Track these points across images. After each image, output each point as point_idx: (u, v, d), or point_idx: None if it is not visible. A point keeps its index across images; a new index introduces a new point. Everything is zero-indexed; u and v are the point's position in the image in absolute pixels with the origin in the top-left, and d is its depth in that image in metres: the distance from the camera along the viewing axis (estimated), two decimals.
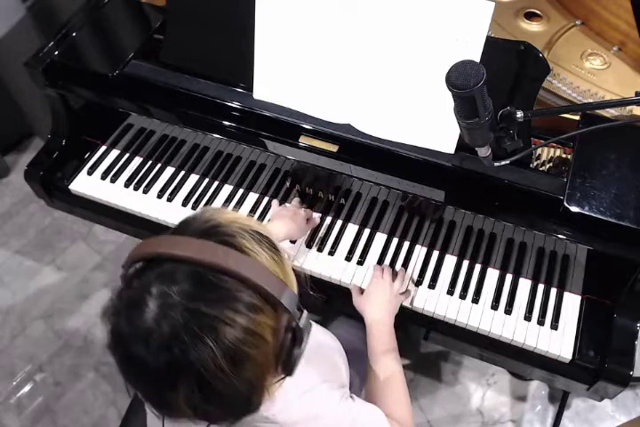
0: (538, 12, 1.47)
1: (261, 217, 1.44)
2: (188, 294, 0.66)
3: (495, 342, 1.30)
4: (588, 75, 1.36)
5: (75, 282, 2.21)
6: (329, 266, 1.37)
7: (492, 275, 1.35)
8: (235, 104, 1.31)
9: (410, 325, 1.35)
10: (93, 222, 1.71)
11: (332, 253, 1.39)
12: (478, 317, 1.30)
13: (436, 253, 1.38)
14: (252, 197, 1.47)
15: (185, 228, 0.75)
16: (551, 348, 1.26)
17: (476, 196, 1.21)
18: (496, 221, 1.28)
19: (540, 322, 1.28)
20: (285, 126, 1.28)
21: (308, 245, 1.40)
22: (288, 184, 1.45)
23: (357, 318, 1.39)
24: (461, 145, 1.16)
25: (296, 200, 1.42)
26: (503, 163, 1.01)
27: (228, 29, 1.30)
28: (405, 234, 1.40)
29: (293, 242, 1.39)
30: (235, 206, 1.45)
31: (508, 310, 1.30)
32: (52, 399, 1.97)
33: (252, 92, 1.30)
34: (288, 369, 0.75)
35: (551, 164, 1.26)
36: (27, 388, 1.99)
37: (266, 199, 1.46)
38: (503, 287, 1.33)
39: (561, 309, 1.30)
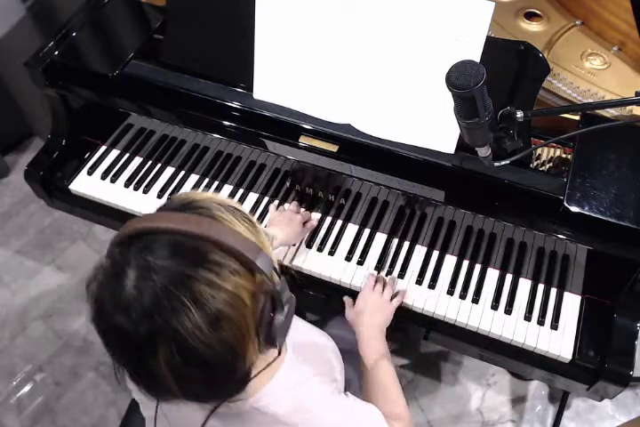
0: (538, 12, 1.47)
1: (261, 217, 1.44)
2: (165, 259, 0.68)
3: (495, 342, 1.30)
4: (588, 75, 1.36)
5: (75, 282, 2.20)
6: (329, 266, 1.37)
7: (492, 275, 1.35)
8: (235, 104, 1.31)
9: (410, 325, 1.35)
10: (93, 222, 1.71)
11: (332, 253, 1.39)
12: (478, 317, 1.30)
13: (436, 253, 1.38)
14: (252, 197, 1.47)
15: (163, 207, 0.78)
16: (551, 348, 1.26)
17: (475, 196, 1.22)
18: (496, 221, 1.28)
19: (540, 322, 1.28)
20: (285, 126, 1.28)
21: (308, 245, 1.40)
22: (288, 184, 1.45)
23: None
24: (461, 145, 1.16)
25: (294, 204, 1.42)
26: (503, 163, 1.01)
27: (228, 29, 1.30)
28: (405, 234, 1.40)
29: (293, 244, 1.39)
30: None
31: (508, 310, 1.30)
32: (52, 399, 1.97)
33: (252, 92, 1.30)
34: (271, 340, 0.75)
35: (551, 164, 1.26)
36: (27, 388, 1.99)
37: (266, 199, 1.47)
38: (503, 287, 1.33)
39: (561, 309, 1.30)
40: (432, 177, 1.23)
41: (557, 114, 1.24)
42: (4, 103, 2.28)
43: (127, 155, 1.56)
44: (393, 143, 1.23)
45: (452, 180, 1.22)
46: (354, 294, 1.34)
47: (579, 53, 1.40)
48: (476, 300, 1.32)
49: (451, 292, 1.33)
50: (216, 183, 1.49)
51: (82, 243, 2.31)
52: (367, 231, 1.41)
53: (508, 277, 1.35)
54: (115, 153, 1.56)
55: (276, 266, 0.76)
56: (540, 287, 1.33)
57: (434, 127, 1.20)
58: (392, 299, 1.29)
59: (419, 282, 1.34)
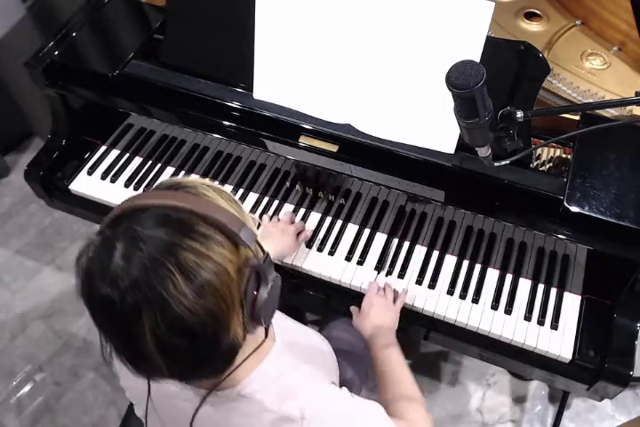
0: (538, 12, 1.47)
1: (261, 217, 1.44)
2: (151, 229, 0.70)
3: (495, 342, 1.30)
4: (588, 75, 1.36)
5: (75, 282, 2.20)
6: (329, 266, 1.37)
7: (492, 275, 1.35)
8: (235, 104, 1.31)
9: (410, 325, 1.35)
10: (93, 222, 1.71)
11: (332, 253, 1.39)
12: (478, 317, 1.30)
13: (436, 253, 1.38)
14: (252, 197, 1.47)
15: (151, 189, 0.82)
16: (551, 348, 1.26)
17: (475, 196, 1.22)
18: (496, 221, 1.28)
19: (540, 322, 1.28)
20: (285, 126, 1.28)
21: (308, 246, 1.40)
22: (288, 184, 1.45)
23: None
24: (461, 145, 1.16)
25: (287, 214, 1.41)
26: (503, 163, 1.01)
27: (228, 29, 1.30)
28: (405, 234, 1.40)
29: None
30: None
31: (508, 310, 1.30)
32: (52, 399, 1.97)
33: (252, 92, 1.30)
34: (256, 317, 0.76)
35: (551, 164, 1.26)
36: (27, 388, 1.99)
37: (266, 199, 1.47)
38: (503, 287, 1.33)
39: (561, 309, 1.30)
40: (432, 177, 1.23)
41: (557, 114, 1.24)
42: (4, 103, 2.28)
43: (127, 155, 1.56)
44: (393, 143, 1.23)
45: (452, 180, 1.22)
46: (354, 295, 1.34)
47: (579, 53, 1.40)
48: (475, 300, 1.32)
49: (451, 292, 1.33)
50: (216, 183, 1.49)
51: (82, 243, 2.27)
52: (367, 231, 1.41)
53: (508, 278, 1.35)
54: (115, 153, 1.56)
55: (261, 244, 0.78)
56: (540, 287, 1.33)
57: (434, 127, 1.20)
58: (395, 302, 1.29)
59: (419, 282, 1.34)
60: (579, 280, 1.32)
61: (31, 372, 2.02)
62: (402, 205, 1.39)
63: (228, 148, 1.48)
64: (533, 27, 1.45)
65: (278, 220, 1.40)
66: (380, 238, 1.40)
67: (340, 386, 0.94)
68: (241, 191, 1.48)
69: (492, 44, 1.12)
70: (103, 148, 1.57)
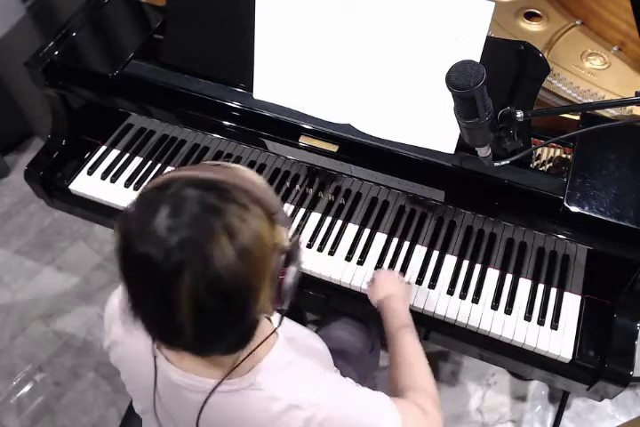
0: (538, 12, 1.47)
1: None
2: (198, 195, 0.72)
3: (495, 342, 1.30)
4: (588, 75, 1.36)
5: (75, 282, 2.21)
6: (329, 266, 1.37)
7: (492, 275, 1.35)
8: (235, 104, 1.31)
9: None
10: (93, 222, 1.71)
11: (331, 253, 1.39)
12: (478, 317, 1.30)
13: (436, 253, 1.38)
14: None
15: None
16: (551, 348, 1.26)
17: (476, 196, 1.22)
18: (496, 221, 1.28)
19: (540, 322, 1.28)
20: (285, 126, 1.28)
21: (308, 246, 1.39)
22: (288, 184, 1.45)
23: (358, 319, 1.39)
24: (461, 145, 1.16)
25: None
26: (503, 163, 1.01)
27: (228, 29, 1.30)
28: (405, 234, 1.40)
29: None
30: None
31: (508, 310, 1.30)
32: (52, 399, 1.97)
33: (252, 92, 1.30)
34: (280, 297, 0.80)
35: (551, 164, 1.26)
36: (27, 388, 1.99)
37: None
38: (503, 287, 1.33)
39: (561, 309, 1.30)
40: (432, 177, 1.23)
41: (557, 114, 1.24)
42: (4, 103, 2.28)
43: (127, 155, 1.56)
44: (393, 143, 1.23)
45: (452, 180, 1.22)
46: (354, 294, 1.34)
47: (579, 53, 1.40)
48: (475, 300, 1.32)
49: (451, 292, 1.33)
50: None
51: (82, 243, 2.31)
52: (367, 231, 1.41)
53: (508, 277, 1.35)
54: (115, 153, 1.56)
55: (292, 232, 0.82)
56: (540, 287, 1.33)
57: (434, 127, 1.20)
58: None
59: (419, 282, 1.34)
60: (579, 280, 1.32)
61: (31, 372, 2.02)
62: (402, 205, 1.39)
63: (228, 148, 1.48)
64: (533, 27, 1.45)
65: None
66: (380, 238, 1.40)
67: None
68: None
69: (492, 44, 1.12)
70: (103, 148, 1.57)
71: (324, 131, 1.26)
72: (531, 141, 1.21)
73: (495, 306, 1.31)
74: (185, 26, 1.34)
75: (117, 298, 0.98)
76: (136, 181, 1.51)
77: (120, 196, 1.50)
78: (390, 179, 1.25)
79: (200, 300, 0.70)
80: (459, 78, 0.84)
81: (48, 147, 1.56)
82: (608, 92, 1.33)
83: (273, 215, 0.77)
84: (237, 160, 1.48)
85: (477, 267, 1.36)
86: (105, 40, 1.49)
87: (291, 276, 0.80)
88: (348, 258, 1.38)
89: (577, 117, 1.25)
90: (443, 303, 1.32)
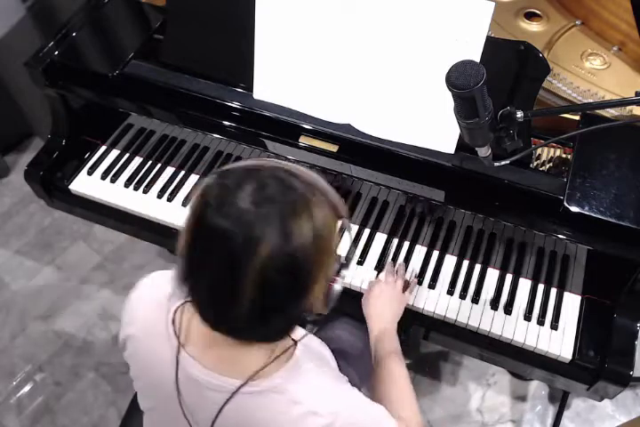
0: (538, 12, 1.47)
1: None
2: (287, 177, 0.76)
3: (495, 342, 1.30)
4: (588, 75, 1.36)
5: (75, 282, 2.20)
6: None
7: (492, 275, 1.35)
8: (235, 104, 1.31)
9: (410, 325, 1.35)
10: (93, 222, 1.71)
11: None
12: (478, 317, 1.30)
13: (436, 253, 1.38)
14: None
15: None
16: (551, 348, 1.26)
17: (476, 196, 1.22)
18: (496, 221, 1.28)
19: (540, 322, 1.28)
20: (285, 126, 1.28)
21: None
22: None
23: (358, 319, 1.39)
24: (461, 145, 1.16)
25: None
26: (503, 163, 1.01)
27: (228, 29, 1.30)
28: (405, 234, 1.40)
29: None
30: None
31: (508, 310, 1.30)
32: (52, 399, 1.97)
33: (252, 92, 1.30)
34: (329, 295, 0.82)
35: (551, 164, 1.26)
36: (27, 388, 1.99)
37: None
38: (503, 287, 1.33)
39: (561, 309, 1.30)
40: (432, 177, 1.23)
41: (557, 114, 1.24)
42: (4, 103, 2.28)
43: (127, 155, 1.56)
44: (393, 143, 1.23)
45: (452, 180, 1.22)
46: (354, 294, 1.34)
47: (579, 53, 1.40)
48: (475, 300, 1.32)
49: (451, 292, 1.33)
50: None
51: (82, 243, 2.31)
52: (367, 231, 1.41)
53: (508, 277, 1.35)
54: (115, 153, 1.56)
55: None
56: (540, 287, 1.33)
57: (434, 127, 1.20)
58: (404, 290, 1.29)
59: (419, 282, 1.34)
60: (579, 280, 1.32)
61: (31, 372, 2.02)
62: (402, 205, 1.39)
63: (228, 148, 1.48)
64: (533, 27, 1.45)
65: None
66: (380, 238, 1.40)
67: None
68: None
69: (492, 44, 1.12)
70: (103, 148, 1.57)
71: (324, 131, 1.26)
72: (531, 141, 1.21)
73: (495, 306, 1.31)
74: (185, 26, 1.34)
75: (141, 292, 0.99)
76: (136, 181, 1.51)
77: (120, 196, 1.50)
78: (390, 179, 1.25)
79: (268, 276, 0.72)
80: (459, 78, 0.84)
81: (48, 147, 1.56)
82: (608, 92, 1.33)
83: (340, 218, 0.80)
84: (237, 160, 1.49)
85: (477, 267, 1.36)
86: (105, 40, 1.49)
87: (339, 283, 0.84)
88: (348, 258, 1.38)
89: (577, 117, 1.25)
90: (443, 303, 1.32)
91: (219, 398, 0.86)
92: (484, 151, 0.99)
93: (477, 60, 1.10)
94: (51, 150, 1.54)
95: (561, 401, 1.86)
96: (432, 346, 1.99)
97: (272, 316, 0.78)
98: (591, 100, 1.32)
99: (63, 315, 2.13)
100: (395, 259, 1.37)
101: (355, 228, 1.42)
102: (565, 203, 1.14)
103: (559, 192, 1.16)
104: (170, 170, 1.53)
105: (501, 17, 1.44)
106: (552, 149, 1.28)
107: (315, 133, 1.27)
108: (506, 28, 1.43)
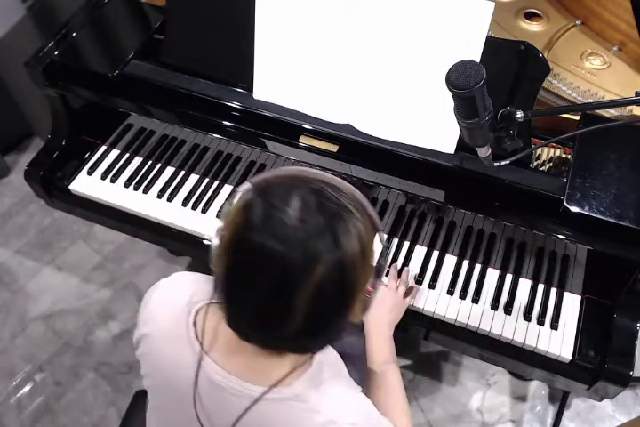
0: (538, 12, 1.47)
1: None
2: (332, 193, 0.75)
3: (495, 342, 1.30)
4: (588, 75, 1.36)
5: (75, 282, 2.20)
6: None
7: (492, 275, 1.35)
8: (235, 104, 1.31)
9: (410, 325, 1.35)
10: (93, 222, 1.71)
11: None
12: (478, 317, 1.30)
13: (435, 253, 1.38)
14: None
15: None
16: (551, 348, 1.26)
17: (476, 196, 1.22)
18: (496, 221, 1.28)
19: (540, 322, 1.28)
20: (285, 126, 1.28)
21: None
22: None
23: None
24: (461, 145, 1.16)
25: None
26: (503, 163, 1.01)
27: (228, 29, 1.30)
28: (405, 234, 1.40)
29: None
30: None
31: (508, 310, 1.30)
32: (52, 399, 1.97)
33: (252, 92, 1.30)
34: (364, 308, 0.81)
35: (551, 164, 1.26)
36: (27, 388, 1.99)
37: None
38: (503, 287, 1.33)
39: (561, 309, 1.30)
40: (432, 177, 1.23)
41: (557, 114, 1.24)
42: (4, 103, 2.28)
43: (127, 155, 1.56)
44: (393, 143, 1.23)
45: (452, 180, 1.22)
46: None
47: (579, 53, 1.40)
48: (475, 300, 1.32)
49: (451, 292, 1.33)
50: (216, 183, 1.49)
51: (82, 243, 2.31)
52: None
53: (508, 277, 1.35)
54: (115, 153, 1.56)
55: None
56: (540, 287, 1.33)
57: (434, 127, 1.20)
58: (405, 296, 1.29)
59: (419, 282, 1.34)
60: (579, 280, 1.32)
61: (31, 372, 2.02)
62: (402, 205, 1.39)
63: (228, 148, 1.48)
64: (533, 27, 1.45)
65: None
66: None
67: None
68: None
69: (491, 44, 1.12)
70: (103, 148, 1.57)
71: (324, 131, 1.26)
72: (531, 141, 1.21)
73: (495, 306, 1.31)
74: (185, 26, 1.34)
75: (160, 293, 0.98)
76: (136, 181, 1.51)
77: (120, 196, 1.50)
78: (390, 179, 1.25)
79: (323, 292, 0.72)
80: (459, 78, 0.84)
81: (48, 147, 1.56)
82: (608, 92, 1.33)
83: (376, 232, 0.80)
84: (237, 160, 1.49)
85: (477, 267, 1.36)
86: (105, 40, 1.49)
87: (374, 296, 0.83)
88: None
89: (577, 117, 1.25)
90: (443, 303, 1.32)
91: (240, 404, 0.86)
92: (483, 151, 0.99)
93: (477, 60, 1.10)
94: (51, 150, 1.54)
95: (561, 401, 1.86)
96: (432, 346, 1.99)
97: (321, 329, 0.78)
98: (591, 100, 1.32)
99: (63, 315, 2.13)
100: (395, 259, 1.37)
101: None
102: (565, 203, 1.14)
103: (559, 192, 1.16)
104: (170, 170, 1.53)
105: (501, 17, 1.44)
106: (552, 149, 1.28)
107: (315, 133, 1.27)
108: (506, 28, 1.43)
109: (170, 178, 1.51)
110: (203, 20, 1.32)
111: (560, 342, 1.26)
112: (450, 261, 1.37)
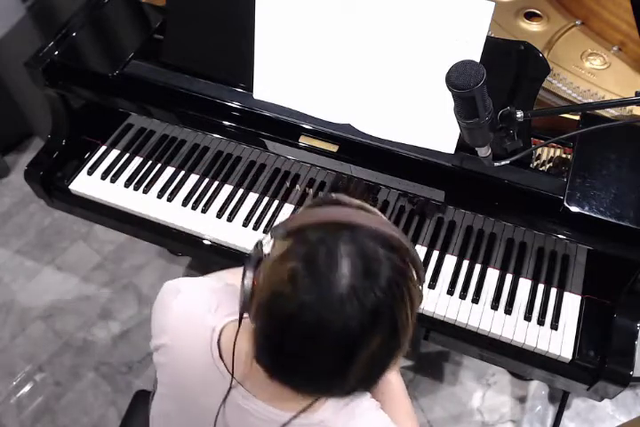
0: (538, 12, 1.47)
1: (261, 217, 1.44)
2: (387, 255, 0.69)
3: (495, 342, 1.30)
4: (588, 75, 1.36)
5: (75, 282, 2.20)
6: None
7: (492, 275, 1.35)
8: (235, 104, 1.31)
9: None
10: (93, 222, 1.71)
11: None
12: (478, 317, 1.30)
13: (436, 253, 1.38)
14: (252, 197, 1.47)
15: (329, 203, 0.79)
16: (551, 348, 1.26)
17: (476, 196, 1.22)
18: (496, 221, 1.28)
19: (540, 322, 1.28)
20: (285, 126, 1.28)
21: None
22: (288, 184, 1.45)
23: None
24: (461, 145, 1.16)
25: None
26: (503, 163, 1.01)
27: (228, 29, 1.30)
28: (405, 234, 1.39)
29: None
30: (235, 206, 1.45)
31: (508, 310, 1.30)
32: (52, 399, 1.97)
33: (252, 92, 1.30)
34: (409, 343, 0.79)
35: (551, 164, 1.26)
36: (27, 388, 1.99)
37: (266, 199, 1.46)
38: (503, 287, 1.33)
39: (561, 309, 1.30)
40: (432, 177, 1.22)
41: (557, 114, 1.24)
42: (4, 103, 2.28)
43: (127, 155, 1.55)
44: (393, 143, 1.23)
45: (452, 180, 1.22)
46: None
47: (579, 53, 1.40)
48: (475, 300, 1.32)
49: (451, 292, 1.33)
50: (216, 183, 1.49)
51: (82, 243, 2.31)
52: None
53: (508, 277, 1.35)
54: (115, 153, 1.56)
55: None
56: (540, 287, 1.33)
57: (434, 127, 1.20)
58: None
59: None
60: (579, 280, 1.32)
61: (31, 372, 2.02)
62: (402, 206, 1.39)
63: (228, 148, 1.48)
64: (533, 27, 1.45)
65: None
66: None
67: None
68: (241, 191, 1.48)
69: (492, 44, 1.12)
70: (103, 148, 1.57)
71: (324, 131, 1.26)
72: (531, 141, 1.21)
73: (495, 306, 1.31)
74: (185, 26, 1.34)
75: (180, 302, 0.94)
76: (136, 181, 1.51)
77: (120, 196, 1.50)
78: (390, 179, 1.25)
79: (377, 357, 0.71)
80: (459, 78, 0.84)
81: (48, 147, 1.55)
82: (608, 92, 1.33)
83: (419, 274, 0.76)
84: (237, 160, 1.49)
85: (477, 267, 1.36)
86: (105, 40, 1.49)
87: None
88: None
89: (577, 117, 1.25)
90: (443, 303, 1.32)
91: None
92: (484, 151, 0.99)
93: (477, 60, 1.10)
94: (51, 150, 1.54)
95: (561, 401, 1.86)
96: (432, 346, 1.99)
97: (371, 381, 0.77)
98: (591, 100, 1.32)
99: (63, 315, 2.13)
100: None
101: None
102: (565, 203, 1.14)
103: (559, 192, 1.16)
104: (170, 170, 1.53)
105: (501, 17, 1.44)
106: (552, 149, 1.28)
107: (315, 133, 1.27)
108: (506, 28, 1.43)
109: (170, 178, 1.51)
110: (203, 20, 1.32)
111: (560, 342, 1.26)
112: (450, 261, 1.37)
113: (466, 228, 1.38)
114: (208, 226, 1.43)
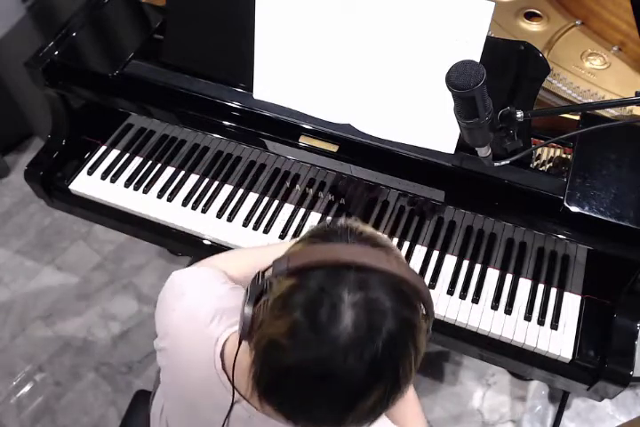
0: (538, 12, 1.47)
1: (261, 217, 1.44)
2: (393, 306, 0.67)
3: (495, 342, 1.30)
4: (588, 75, 1.36)
5: (75, 282, 2.21)
6: None
7: (492, 275, 1.35)
8: (235, 104, 1.31)
9: None
10: (93, 222, 1.71)
11: None
12: (478, 317, 1.30)
13: (435, 253, 1.38)
14: (252, 197, 1.47)
15: (335, 236, 0.76)
16: (551, 348, 1.26)
17: (476, 196, 1.22)
18: (496, 221, 1.28)
19: (540, 322, 1.28)
20: (285, 126, 1.28)
21: None
22: (288, 184, 1.45)
23: None
24: (461, 145, 1.16)
25: None
26: (503, 163, 1.01)
27: (228, 29, 1.30)
28: (405, 234, 1.40)
29: None
30: (235, 206, 1.45)
31: (508, 310, 1.30)
32: (52, 399, 1.97)
33: (252, 92, 1.30)
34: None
35: (551, 164, 1.26)
36: (27, 388, 1.99)
37: (266, 199, 1.46)
38: (503, 287, 1.33)
39: (561, 309, 1.30)
40: (432, 177, 1.23)
41: (557, 114, 1.24)
42: (4, 103, 2.28)
43: (127, 155, 1.55)
44: (393, 143, 1.23)
45: (452, 180, 1.22)
46: None
47: (579, 53, 1.40)
48: (475, 300, 1.32)
49: (451, 292, 1.33)
50: (216, 183, 1.49)
51: (82, 243, 2.31)
52: None
53: (508, 277, 1.34)
54: (115, 153, 1.56)
55: None
56: (540, 287, 1.33)
57: (434, 127, 1.20)
58: None
59: None
60: (579, 280, 1.32)
61: (31, 372, 2.02)
62: (402, 205, 1.39)
63: (228, 148, 1.48)
64: (533, 27, 1.45)
65: None
66: None
67: None
68: (241, 191, 1.48)
69: (492, 44, 1.12)
70: (103, 148, 1.57)
71: (324, 131, 1.26)
72: (531, 141, 1.21)
73: (495, 306, 1.31)
74: (185, 26, 1.34)
75: (184, 306, 0.93)
76: (136, 181, 1.51)
77: (120, 196, 1.50)
78: (390, 179, 1.25)
79: (379, 405, 0.69)
80: (459, 78, 0.84)
81: (48, 147, 1.55)
82: (608, 92, 1.33)
83: (428, 312, 0.73)
84: (237, 160, 1.49)
85: (477, 267, 1.36)
86: (105, 40, 1.49)
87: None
88: None
89: (577, 117, 1.25)
90: (443, 303, 1.32)
91: None
92: (484, 151, 0.99)
93: (477, 60, 1.10)
94: (51, 150, 1.54)
95: (561, 401, 1.86)
96: (432, 346, 1.98)
97: (370, 420, 0.74)
98: (591, 100, 1.32)
99: (63, 315, 2.13)
100: None
101: None
102: (565, 203, 1.14)
103: (559, 192, 1.16)
104: (170, 170, 1.53)
105: (501, 17, 1.44)
106: (552, 149, 1.28)
107: (315, 133, 1.27)
108: (506, 28, 1.43)
109: (170, 178, 1.51)
110: (203, 20, 1.32)
111: (560, 342, 1.26)
112: (450, 261, 1.37)
113: (466, 228, 1.38)
114: (208, 226, 1.43)
